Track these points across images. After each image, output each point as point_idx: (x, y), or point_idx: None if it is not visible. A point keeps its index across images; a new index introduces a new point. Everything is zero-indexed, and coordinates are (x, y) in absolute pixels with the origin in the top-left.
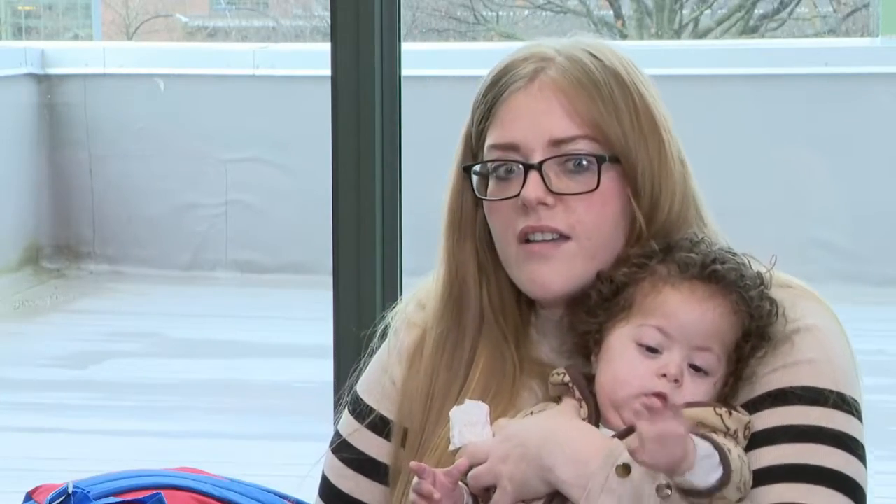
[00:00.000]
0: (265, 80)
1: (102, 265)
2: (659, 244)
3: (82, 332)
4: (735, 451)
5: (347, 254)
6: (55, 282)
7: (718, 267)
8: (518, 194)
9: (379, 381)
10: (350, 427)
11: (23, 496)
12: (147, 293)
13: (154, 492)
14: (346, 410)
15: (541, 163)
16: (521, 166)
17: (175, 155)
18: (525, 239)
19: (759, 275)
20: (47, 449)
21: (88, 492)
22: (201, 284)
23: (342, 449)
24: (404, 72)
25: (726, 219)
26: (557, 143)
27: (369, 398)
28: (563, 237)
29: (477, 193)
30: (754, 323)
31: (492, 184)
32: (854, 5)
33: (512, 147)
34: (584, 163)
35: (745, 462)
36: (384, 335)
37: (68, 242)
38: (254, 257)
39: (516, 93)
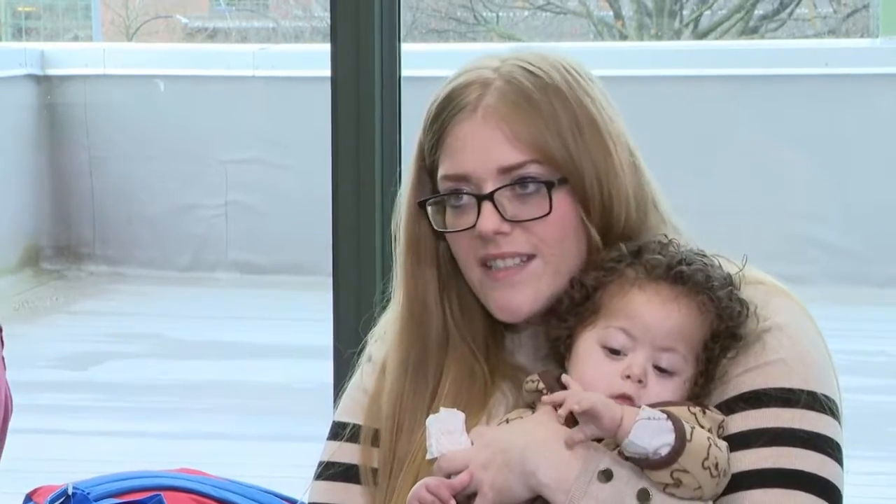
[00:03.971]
0: (265, 80)
1: (102, 266)
2: (629, 247)
3: (82, 333)
4: (702, 432)
5: (347, 254)
6: (55, 283)
7: (684, 268)
8: (474, 225)
9: (353, 399)
10: (330, 450)
11: (22, 497)
12: (147, 294)
13: (154, 493)
14: (326, 442)
15: (492, 193)
16: (473, 197)
17: (175, 156)
18: (487, 264)
19: (729, 276)
20: (47, 450)
21: (88, 493)
22: (201, 285)
23: (326, 471)
24: (404, 72)
25: (725, 218)
26: (507, 170)
27: (345, 417)
28: (529, 256)
29: (435, 225)
30: (723, 324)
31: (448, 213)
32: (854, 6)
33: (463, 178)
34: (534, 187)
35: (721, 448)
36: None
37: (68, 243)
38: (254, 258)
39: (461, 123)
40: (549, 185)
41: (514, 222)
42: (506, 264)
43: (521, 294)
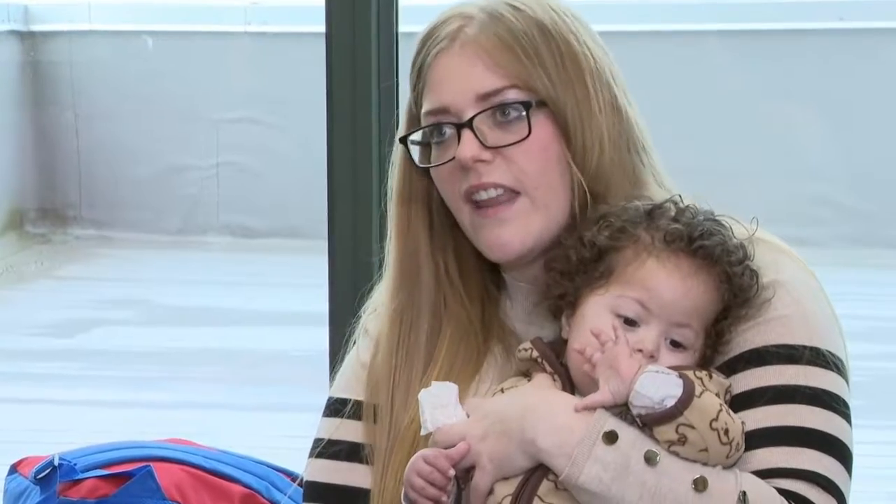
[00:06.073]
0: (257, 36)
1: (89, 230)
2: (644, 206)
3: (69, 299)
4: (714, 398)
5: (343, 218)
6: (40, 247)
7: (706, 242)
8: (455, 157)
9: (352, 374)
10: (330, 426)
11: (7, 468)
12: (136, 259)
13: (143, 464)
14: (322, 419)
15: (470, 120)
16: (453, 127)
17: (164, 115)
18: (473, 199)
19: (742, 246)
20: (32, 420)
21: (75, 464)
22: (192, 249)
23: (327, 449)
24: (402, 28)
25: (731, 179)
26: (484, 97)
27: (343, 393)
28: (512, 192)
29: (418, 163)
30: (736, 298)
31: (433, 151)
32: None
33: (443, 110)
34: (513, 112)
35: (735, 420)
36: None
37: (53, 206)
38: (247, 221)
39: (440, 55)
40: (527, 106)
41: (495, 149)
42: (489, 195)
43: (511, 231)
